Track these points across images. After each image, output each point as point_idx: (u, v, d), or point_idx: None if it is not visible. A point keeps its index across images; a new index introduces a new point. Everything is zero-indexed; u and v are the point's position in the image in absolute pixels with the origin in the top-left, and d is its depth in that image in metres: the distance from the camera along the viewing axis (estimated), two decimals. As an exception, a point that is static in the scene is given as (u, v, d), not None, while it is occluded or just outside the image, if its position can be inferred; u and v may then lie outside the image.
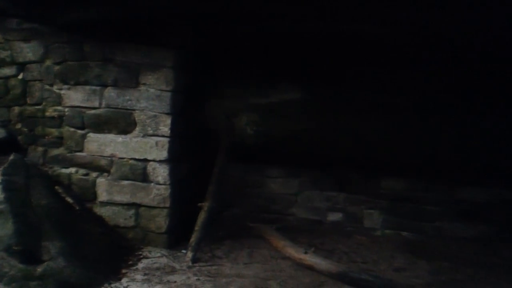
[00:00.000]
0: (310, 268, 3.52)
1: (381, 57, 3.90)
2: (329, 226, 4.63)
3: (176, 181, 3.93)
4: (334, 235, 4.39)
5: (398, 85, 3.99)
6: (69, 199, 3.76)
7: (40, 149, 4.04)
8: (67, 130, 3.97)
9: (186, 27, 3.86)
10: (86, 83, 3.90)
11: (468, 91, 3.93)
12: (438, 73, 3.94)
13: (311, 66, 4.09)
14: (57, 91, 3.97)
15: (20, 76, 4.07)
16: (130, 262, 3.51)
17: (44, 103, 4.02)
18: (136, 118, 3.86)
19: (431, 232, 4.41)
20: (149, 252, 3.73)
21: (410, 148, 4.14)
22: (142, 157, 3.86)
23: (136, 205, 3.88)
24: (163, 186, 3.84)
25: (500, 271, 3.64)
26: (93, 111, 3.90)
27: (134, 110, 3.86)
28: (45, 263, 2.95)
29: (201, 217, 3.82)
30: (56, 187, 3.82)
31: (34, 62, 4.02)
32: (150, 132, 3.86)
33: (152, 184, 3.86)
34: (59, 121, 3.98)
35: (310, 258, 3.56)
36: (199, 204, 3.91)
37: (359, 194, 4.61)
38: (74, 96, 3.93)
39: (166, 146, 3.83)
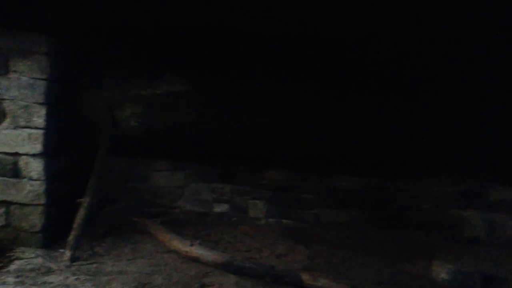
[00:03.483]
0: (196, 260, 3.54)
1: (267, 52, 4.02)
2: (215, 218, 4.69)
3: (53, 176, 3.68)
4: (220, 226, 4.46)
5: (284, 80, 4.15)
6: None
7: None
8: None
9: (61, 10, 3.61)
10: None
11: (348, 86, 4.19)
12: (320, 70, 4.16)
13: (198, 59, 4.08)
14: None
15: None
16: (1, 265, 3.23)
17: None
18: (6, 109, 3.54)
19: (310, 219, 4.69)
20: (23, 252, 3.46)
21: (292, 141, 4.33)
22: (13, 151, 3.55)
23: (6, 203, 3.57)
24: (37, 182, 3.58)
25: (369, 252, 3.98)
26: (-47, 100, 3.51)
27: (3, 99, 3.54)
28: None
29: (81, 213, 3.63)
30: None
31: None
32: (23, 123, 3.56)
33: (25, 180, 3.58)
34: None
35: (196, 250, 3.58)
36: (78, 200, 3.71)
37: (245, 185, 4.73)
38: None
39: (41, 139, 3.57)
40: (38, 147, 3.57)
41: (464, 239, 4.19)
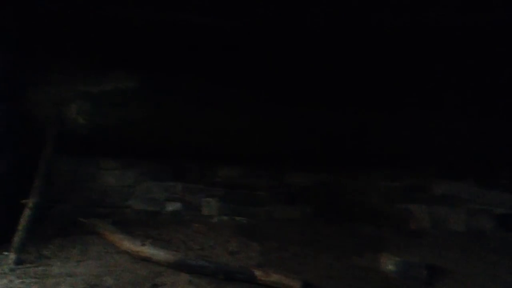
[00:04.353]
0: (147, 260, 3.49)
1: (219, 48, 4.01)
2: (167, 217, 4.63)
3: (-5, 176, 3.53)
4: (172, 225, 4.41)
5: (235, 77, 4.15)
6: None
7: None
8: None
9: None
10: None
11: (296, 83, 4.25)
12: (269, 68, 4.19)
13: (148, 55, 4.02)
14: None
15: None
16: None
17: None
18: None
19: (263, 216, 4.71)
20: (-37, 257, 3.31)
21: (245, 138, 4.35)
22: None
23: None
24: (-22, 182, 3.42)
25: (321, 247, 4.06)
26: None
27: None
28: None
29: (26, 215, 3.50)
30: None
31: None
32: (-39, 122, 3.39)
33: (-36, 181, 3.41)
34: None
35: (147, 250, 3.54)
36: (23, 201, 3.57)
37: (197, 183, 4.69)
38: None
39: (-19, 138, 3.40)
40: (-23, 146, 3.40)
41: (410, 232, 4.34)
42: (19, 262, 3.27)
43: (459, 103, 4.12)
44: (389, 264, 3.45)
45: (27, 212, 3.52)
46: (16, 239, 3.39)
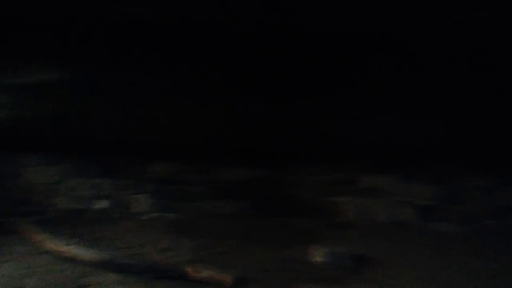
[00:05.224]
0: (73, 260, 3.37)
1: (150, 39, 3.93)
2: (95, 215, 4.48)
3: None
4: (100, 224, 4.27)
5: (175, 71, 4.09)
6: None
7: None
8: None
9: None
10: None
11: (229, 76, 4.25)
12: (203, 60, 4.16)
13: (75, 45, 3.87)
14: None
15: None
16: None
17: None
18: None
19: (196, 211, 4.68)
20: None
21: (177, 132, 4.30)
22: None
23: None
24: None
25: (253, 241, 4.09)
26: None
27: None
28: None
29: None
30: None
31: None
32: None
33: None
34: None
35: (73, 250, 3.42)
36: None
37: (127, 179, 4.59)
38: None
39: None
40: None
41: (338, 224, 4.49)
42: None
43: (383, 101, 4.31)
44: (317, 255, 3.54)
45: None
46: None
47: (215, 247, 3.90)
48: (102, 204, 4.53)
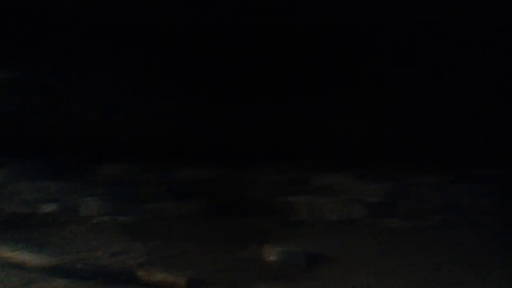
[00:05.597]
0: (20, 266, 3.27)
1: (111, 40, 3.85)
2: (41, 219, 4.32)
3: None
4: (47, 228, 4.14)
5: (126, 70, 4.02)
6: None
7: None
8: None
9: None
10: None
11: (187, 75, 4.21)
12: (159, 58, 4.11)
13: (27, 43, 3.73)
14: None
15: None
16: None
17: None
18: None
19: (149, 213, 4.60)
20: None
21: (127, 131, 4.22)
22: None
23: None
24: None
25: (208, 242, 4.06)
26: None
27: None
28: None
29: None
30: None
31: None
32: None
33: None
34: None
35: (20, 255, 3.35)
36: None
37: (75, 182, 4.46)
38: None
39: None
40: None
41: (291, 223, 4.53)
42: None
43: (335, 101, 4.40)
44: (271, 255, 3.57)
45: None
46: None
47: (169, 249, 3.85)
48: (50, 207, 4.37)
